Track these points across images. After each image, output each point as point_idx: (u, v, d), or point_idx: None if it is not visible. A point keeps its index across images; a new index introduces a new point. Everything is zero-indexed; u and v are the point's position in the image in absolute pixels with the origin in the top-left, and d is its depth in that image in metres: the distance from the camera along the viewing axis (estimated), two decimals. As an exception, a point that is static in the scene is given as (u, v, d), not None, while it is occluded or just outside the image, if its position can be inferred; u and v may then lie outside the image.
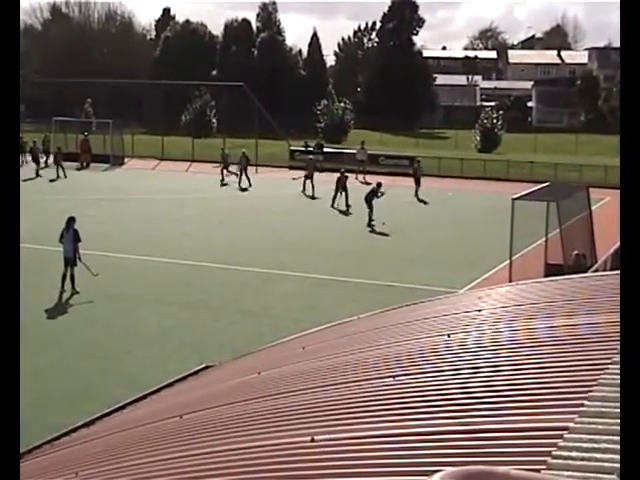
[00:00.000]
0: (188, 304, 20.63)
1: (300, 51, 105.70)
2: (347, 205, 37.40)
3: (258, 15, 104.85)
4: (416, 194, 42.59)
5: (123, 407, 8.00)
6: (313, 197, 41.71)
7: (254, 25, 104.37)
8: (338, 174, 38.76)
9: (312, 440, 4.18)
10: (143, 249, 27.09)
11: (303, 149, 59.17)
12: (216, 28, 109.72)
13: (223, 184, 47.01)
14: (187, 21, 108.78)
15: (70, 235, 21.66)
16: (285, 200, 40.95)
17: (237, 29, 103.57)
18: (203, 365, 9.37)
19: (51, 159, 52.26)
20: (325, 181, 44.76)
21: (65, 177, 49.36)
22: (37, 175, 49.18)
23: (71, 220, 21.95)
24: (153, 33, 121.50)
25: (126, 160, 58.87)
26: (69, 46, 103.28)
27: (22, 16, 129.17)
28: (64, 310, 19.99)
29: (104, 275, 23.64)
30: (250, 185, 45.69)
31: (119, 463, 5.00)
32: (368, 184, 40.94)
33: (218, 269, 24.61)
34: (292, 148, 59.44)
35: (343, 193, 38.07)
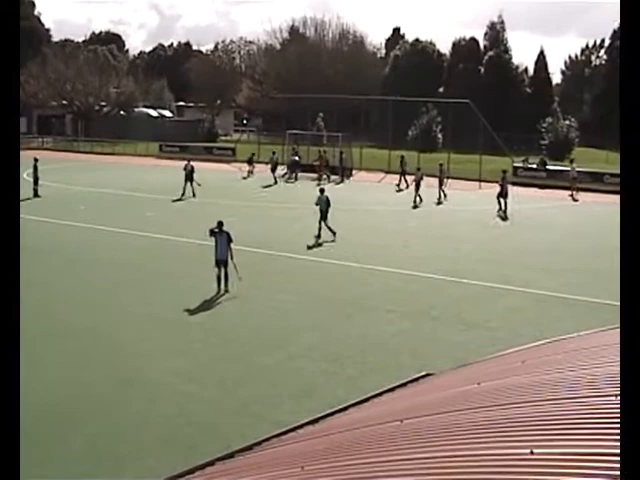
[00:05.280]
0: (409, 313, 20.73)
1: (526, 69, 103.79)
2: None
3: (486, 34, 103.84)
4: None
5: (346, 408, 8.14)
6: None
7: (482, 43, 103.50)
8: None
9: (531, 453, 4.12)
10: (366, 258, 27.46)
11: (524, 166, 58.90)
12: (444, 46, 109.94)
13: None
14: (417, 40, 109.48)
15: (224, 238, 22.06)
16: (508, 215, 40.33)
17: (465, 47, 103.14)
18: (424, 373, 9.40)
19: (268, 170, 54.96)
20: (543, 197, 44.06)
21: (276, 183, 52.53)
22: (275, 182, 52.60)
23: (221, 224, 22.30)
24: (383, 51, 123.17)
25: (354, 172, 59.97)
26: (305, 64, 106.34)
27: (263, 37, 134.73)
28: (287, 314, 20.54)
29: (324, 282, 24.20)
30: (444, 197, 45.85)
31: (342, 461, 5.09)
32: (576, 200, 47.44)
33: (441, 281, 24.58)
34: (515, 164, 58.81)
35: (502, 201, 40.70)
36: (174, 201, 42.35)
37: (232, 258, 22.08)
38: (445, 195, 45.95)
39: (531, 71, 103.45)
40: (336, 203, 42.61)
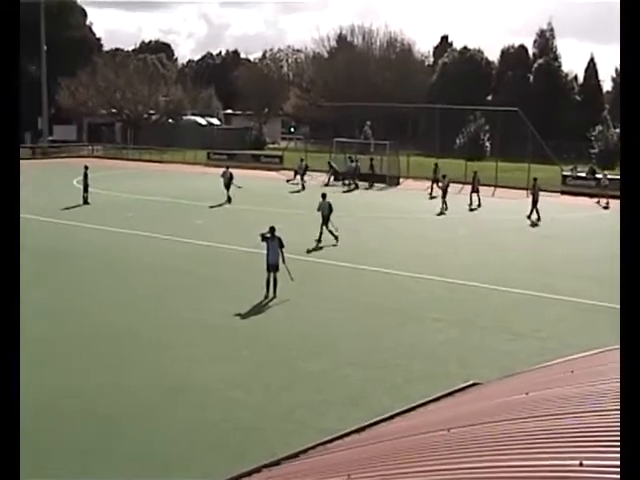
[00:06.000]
0: (457, 322, 20.63)
1: (576, 77, 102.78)
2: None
3: (535, 41, 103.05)
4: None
5: (393, 417, 8.12)
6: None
7: (531, 51, 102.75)
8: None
9: (580, 464, 4.08)
10: (414, 266, 27.39)
11: (573, 174, 58.48)
12: (493, 54, 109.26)
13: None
14: (465, 47, 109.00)
15: (275, 243, 22.47)
16: (558, 224, 40.00)
17: (514, 55, 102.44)
18: (470, 382, 9.34)
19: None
20: (591, 206, 43.86)
21: (303, 189, 53.75)
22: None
23: (273, 229, 22.72)
24: (431, 59, 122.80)
25: (401, 180, 59.86)
26: (352, 72, 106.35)
27: (311, 45, 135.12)
28: (334, 321, 20.54)
29: (371, 290, 24.17)
30: (479, 206, 46.25)
31: (389, 470, 5.07)
32: (606, 208, 47.14)
33: (488, 289, 24.43)
34: (564, 173, 58.27)
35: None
36: (214, 207, 42.75)
37: (284, 262, 22.42)
38: (480, 203, 46.31)
39: (581, 79, 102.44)
40: (381, 211, 42.70)
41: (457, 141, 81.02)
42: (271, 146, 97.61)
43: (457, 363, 17.03)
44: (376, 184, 57.44)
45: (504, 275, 26.37)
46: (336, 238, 31.24)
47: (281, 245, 22.57)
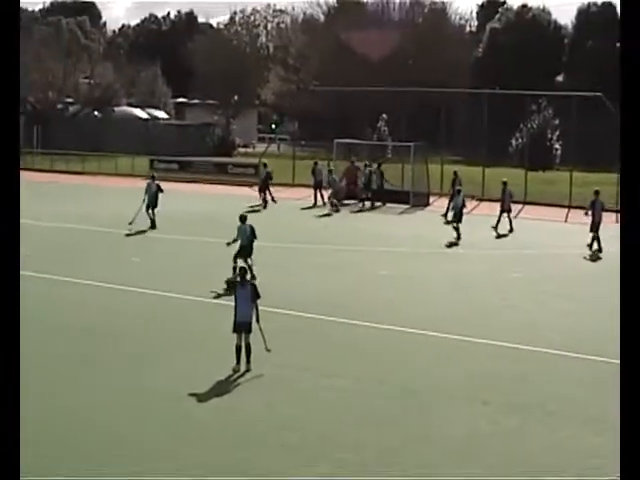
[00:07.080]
0: (515, 406, 20.48)
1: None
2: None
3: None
4: None
5: None
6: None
7: (619, 9, 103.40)
8: None
9: None
10: (450, 324, 27.36)
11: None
12: (565, 15, 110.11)
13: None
14: (524, 6, 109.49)
15: (247, 292, 22.08)
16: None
17: (596, 16, 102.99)
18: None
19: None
20: None
21: (264, 207, 55.93)
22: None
23: (245, 271, 22.48)
24: (475, 23, 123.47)
25: (432, 199, 59.78)
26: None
27: (300, 5, 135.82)
28: (333, 405, 20.34)
29: (389, 358, 24.01)
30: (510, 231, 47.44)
31: None
32: None
33: (558, 357, 24.33)
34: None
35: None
36: (131, 235, 43.41)
37: (258, 320, 21.97)
38: (511, 227, 47.35)
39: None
40: (401, 241, 42.56)
41: (513, 142, 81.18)
42: (243, 150, 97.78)
43: (520, 466, 16.85)
44: (393, 204, 57.26)
45: (590, 337, 26.30)
46: (252, 277, 30.43)
47: (256, 296, 22.11)
